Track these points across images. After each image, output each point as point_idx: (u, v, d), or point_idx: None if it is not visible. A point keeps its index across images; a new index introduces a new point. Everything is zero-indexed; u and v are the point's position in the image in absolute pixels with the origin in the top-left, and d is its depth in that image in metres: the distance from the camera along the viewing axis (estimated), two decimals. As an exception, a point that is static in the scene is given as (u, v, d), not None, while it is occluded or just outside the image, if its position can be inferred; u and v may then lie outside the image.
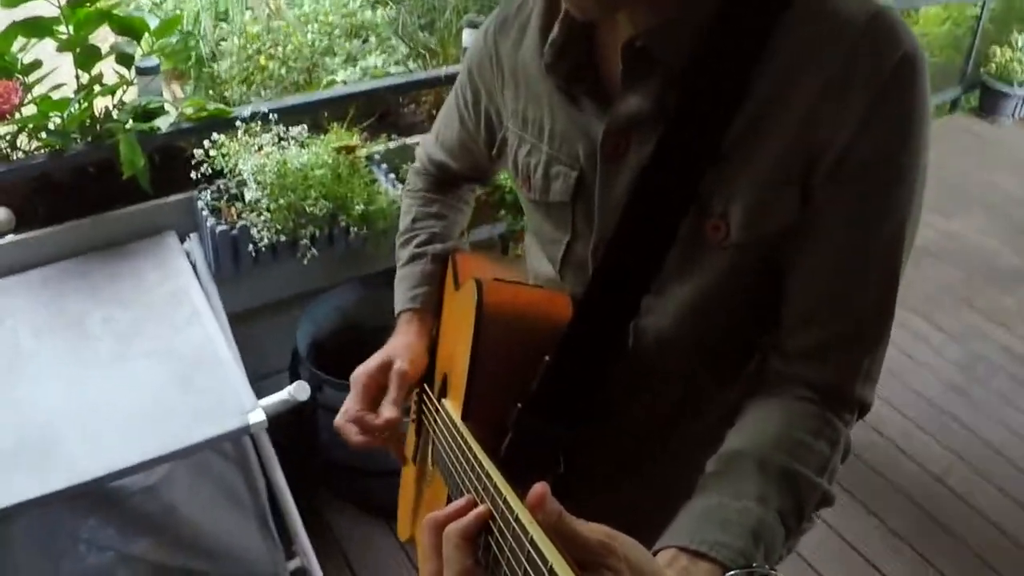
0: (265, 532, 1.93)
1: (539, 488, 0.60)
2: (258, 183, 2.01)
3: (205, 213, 2.06)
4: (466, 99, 1.12)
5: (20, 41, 1.87)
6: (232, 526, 1.86)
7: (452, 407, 0.96)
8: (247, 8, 3.03)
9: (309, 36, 2.84)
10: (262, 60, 2.76)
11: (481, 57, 1.06)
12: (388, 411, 1.04)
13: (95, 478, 1.51)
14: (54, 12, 1.83)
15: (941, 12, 4.85)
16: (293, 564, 2.02)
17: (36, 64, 1.89)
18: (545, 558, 0.55)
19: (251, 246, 2.05)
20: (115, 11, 1.91)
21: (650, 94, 0.85)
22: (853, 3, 0.79)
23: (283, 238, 2.06)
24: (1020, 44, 4.88)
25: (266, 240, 2.03)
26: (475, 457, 0.77)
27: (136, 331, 1.82)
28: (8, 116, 1.86)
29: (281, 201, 2.02)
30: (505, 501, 0.64)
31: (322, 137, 2.16)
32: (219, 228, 2.03)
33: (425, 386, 1.14)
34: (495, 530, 0.65)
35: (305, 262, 2.11)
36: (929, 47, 4.66)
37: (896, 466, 2.74)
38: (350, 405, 1.07)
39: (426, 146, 1.26)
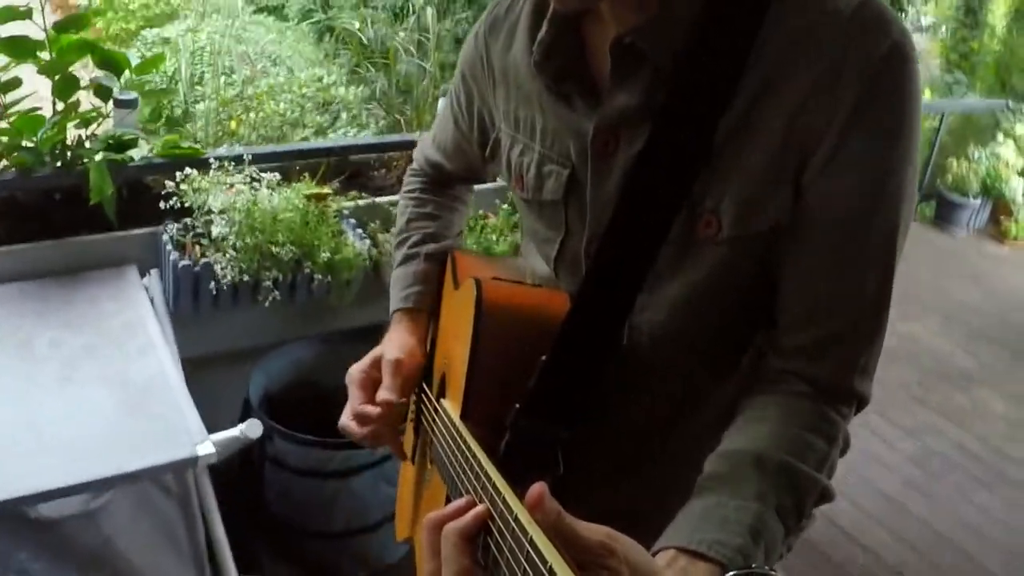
0: (201, 578, 1.84)
1: (538, 488, 0.60)
2: (226, 220, 2.00)
3: (169, 247, 2.04)
4: (460, 101, 1.13)
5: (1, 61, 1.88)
6: (169, 566, 1.78)
7: (451, 407, 0.95)
8: (223, 72, 3.09)
9: (281, 106, 2.88)
10: (232, 124, 2.81)
11: (473, 59, 1.08)
12: (384, 395, 1.03)
13: (29, 495, 1.44)
14: (40, 35, 1.84)
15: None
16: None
17: (16, 82, 1.90)
18: (544, 558, 0.55)
19: (212, 284, 2.03)
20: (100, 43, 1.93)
21: (639, 91, 0.85)
22: None
23: (246, 278, 2.04)
24: (976, 157, 5.09)
25: (229, 278, 2.00)
26: (474, 457, 0.76)
27: (86, 356, 1.77)
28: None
29: (248, 240, 2.01)
30: (504, 501, 0.64)
31: (294, 183, 2.17)
32: (182, 263, 2.00)
33: (424, 385, 1.12)
34: (494, 530, 0.64)
35: (267, 304, 2.08)
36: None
37: (852, 559, 2.71)
38: (350, 403, 1.06)
39: (423, 147, 1.28)
